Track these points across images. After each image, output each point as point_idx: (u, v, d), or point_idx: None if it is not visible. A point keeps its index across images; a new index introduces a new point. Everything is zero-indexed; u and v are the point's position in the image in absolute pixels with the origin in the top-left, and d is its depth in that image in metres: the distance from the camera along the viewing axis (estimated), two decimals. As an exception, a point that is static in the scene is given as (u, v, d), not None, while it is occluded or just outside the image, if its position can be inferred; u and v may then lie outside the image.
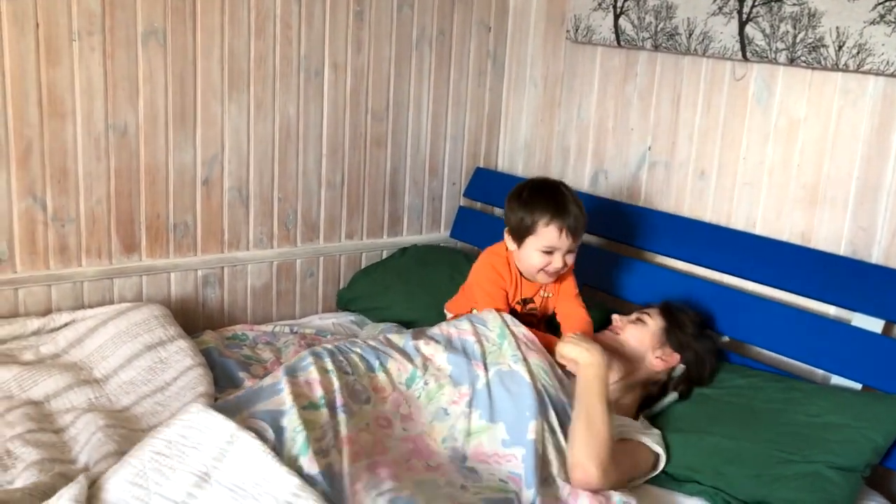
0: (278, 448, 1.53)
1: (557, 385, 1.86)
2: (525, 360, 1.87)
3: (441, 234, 2.95)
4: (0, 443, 1.78)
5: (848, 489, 1.68)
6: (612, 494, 1.68)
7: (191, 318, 2.45)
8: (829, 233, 2.10)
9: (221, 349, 2.26)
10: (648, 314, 2.09)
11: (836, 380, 1.97)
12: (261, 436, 1.54)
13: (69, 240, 2.26)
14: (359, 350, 1.88)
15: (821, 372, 2.08)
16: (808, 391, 1.85)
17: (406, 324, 2.47)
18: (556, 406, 1.81)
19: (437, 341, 1.93)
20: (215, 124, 2.40)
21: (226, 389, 2.09)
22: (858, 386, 1.93)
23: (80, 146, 2.22)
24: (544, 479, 1.69)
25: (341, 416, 1.66)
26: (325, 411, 1.66)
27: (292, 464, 1.51)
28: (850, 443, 1.71)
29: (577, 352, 1.87)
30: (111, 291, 2.34)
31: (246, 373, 2.16)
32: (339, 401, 1.70)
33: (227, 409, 1.62)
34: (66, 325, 2.21)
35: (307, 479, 1.48)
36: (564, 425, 1.78)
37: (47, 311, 2.25)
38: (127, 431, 1.81)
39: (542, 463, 1.70)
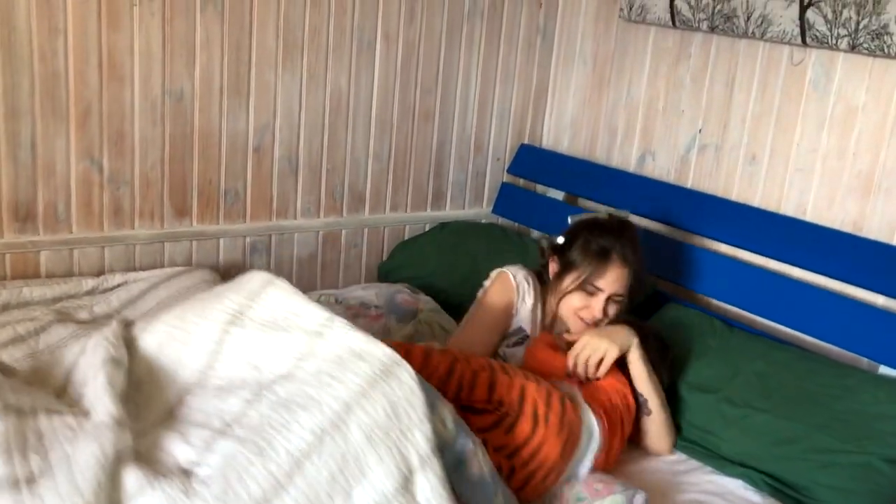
0: None
1: None
2: None
3: (483, 210, 2.96)
4: (60, 399, 1.83)
5: (897, 482, 1.68)
6: (614, 481, 1.66)
7: (238, 284, 2.49)
8: (882, 223, 2.09)
9: (270, 316, 2.29)
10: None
11: (884, 370, 1.97)
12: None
13: (123, 203, 2.29)
14: None
15: (866, 360, 2.08)
16: (864, 379, 1.85)
17: (441, 291, 2.50)
18: None
19: None
20: (268, 93, 2.41)
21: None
22: (907, 377, 1.93)
23: (136, 110, 2.24)
24: None
25: None
26: None
27: None
28: (905, 436, 1.71)
29: (605, 344, 1.86)
30: (162, 255, 2.37)
31: (294, 340, 2.19)
32: None
33: None
34: (118, 286, 2.25)
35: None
36: None
37: (100, 272, 2.29)
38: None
39: None
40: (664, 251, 2.46)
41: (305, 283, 2.64)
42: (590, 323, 2.01)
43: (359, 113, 2.58)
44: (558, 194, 2.83)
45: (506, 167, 2.96)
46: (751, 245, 2.29)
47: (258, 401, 1.41)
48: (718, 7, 2.33)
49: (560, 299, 2.04)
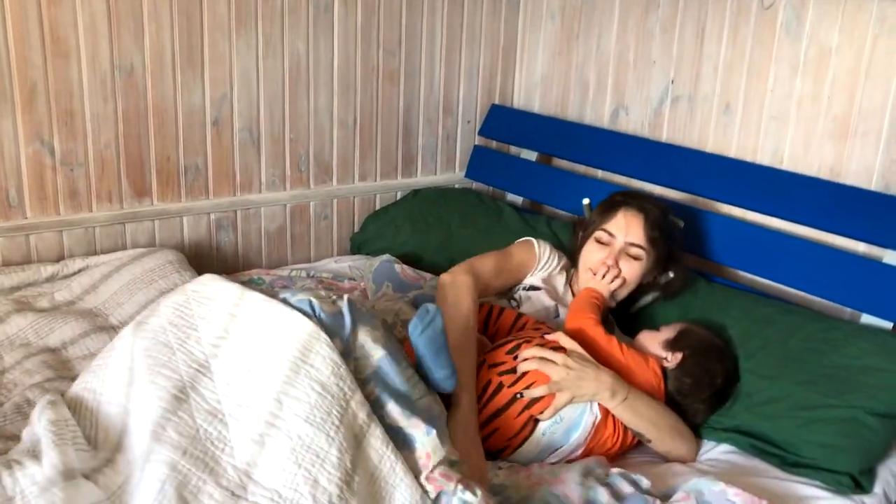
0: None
1: None
2: None
3: (456, 175, 2.89)
4: (20, 391, 1.76)
5: (884, 436, 1.64)
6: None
7: (205, 263, 2.42)
8: (859, 167, 2.03)
9: (238, 294, 2.23)
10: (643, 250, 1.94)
11: (866, 318, 1.93)
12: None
13: (79, 184, 2.21)
14: None
15: (849, 310, 2.04)
16: (849, 332, 1.80)
17: (416, 261, 2.43)
18: None
19: None
20: (223, 63, 2.32)
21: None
22: (889, 324, 1.89)
23: (85, 87, 2.15)
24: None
25: None
26: None
27: None
28: (890, 388, 1.66)
29: (568, 384, 1.61)
30: (123, 236, 2.30)
31: (263, 317, 2.13)
32: None
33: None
34: (79, 271, 2.18)
35: None
36: None
37: (60, 258, 2.21)
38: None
39: None
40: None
41: (275, 259, 2.57)
42: (603, 277, 1.88)
43: (320, 79, 2.50)
44: (531, 155, 2.76)
45: (477, 129, 2.88)
46: (728, 197, 2.24)
47: (188, 404, 1.36)
48: (686, -48, 2.24)
49: (579, 262, 1.99)
